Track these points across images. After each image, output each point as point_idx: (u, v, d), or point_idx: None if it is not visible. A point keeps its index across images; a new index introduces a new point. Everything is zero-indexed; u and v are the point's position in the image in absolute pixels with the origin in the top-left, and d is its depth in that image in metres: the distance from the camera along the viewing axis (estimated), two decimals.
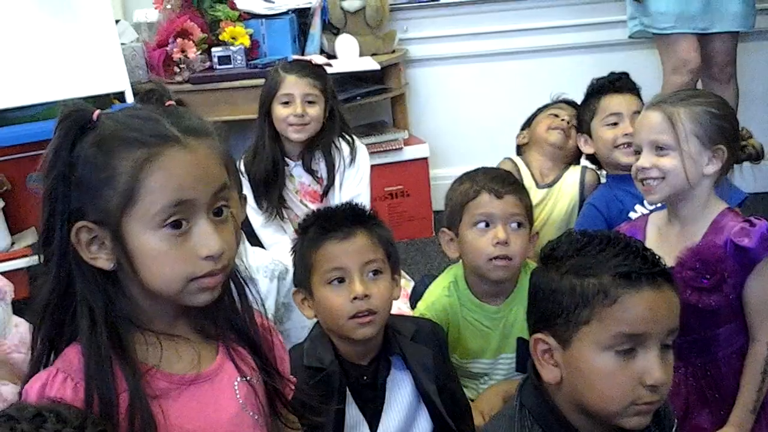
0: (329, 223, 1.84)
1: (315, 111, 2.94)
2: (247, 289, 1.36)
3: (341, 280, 1.80)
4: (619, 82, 2.85)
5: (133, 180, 1.18)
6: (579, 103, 2.92)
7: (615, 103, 2.77)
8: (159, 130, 1.21)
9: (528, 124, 3.06)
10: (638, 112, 2.72)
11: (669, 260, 1.91)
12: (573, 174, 2.92)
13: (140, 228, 1.20)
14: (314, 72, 3.02)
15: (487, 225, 2.11)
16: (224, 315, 1.34)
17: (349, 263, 1.80)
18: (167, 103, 1.35)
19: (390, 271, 1.85)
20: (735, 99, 3.70)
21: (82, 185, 1.21)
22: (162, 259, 1.21)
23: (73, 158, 1.21)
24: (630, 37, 3.81)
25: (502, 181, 2.14)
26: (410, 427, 1.86)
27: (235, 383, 1.33)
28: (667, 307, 1.35)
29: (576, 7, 4.23)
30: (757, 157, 2.06)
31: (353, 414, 1.83)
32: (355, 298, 1.77)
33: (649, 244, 1.47)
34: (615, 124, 2.73)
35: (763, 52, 4.04)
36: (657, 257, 1.38)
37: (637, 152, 2.05)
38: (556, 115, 2.96)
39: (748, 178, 2.07)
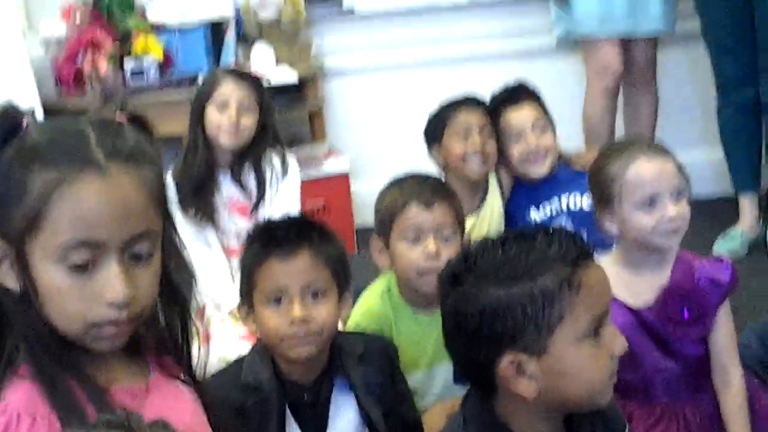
0: (272, 239, 1.76)
1: (249, 121, 2.87)
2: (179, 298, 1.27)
3: (281, 301, 1.73)
4: (517, 94, 2.90)
5: (39, 204, 1.08)
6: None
7: (515, 117, 2.88)
8: (79, 151, 1.09)
9: (433, 134, 2.94)
10: (538, 121, 2.83)
11: (641, 301, 1.99)
12: (492, 187, 2.93)
13: (42, 257, 1.10)
14: (252, 81, 2.96)
15: (416, 237, 2.07)
16: (153, 333, 1.27)
17: (289, 284, 1.73)
18: (117, 117, 1.21)
19: (336, 291, 1.78)
20: (654, 105, 3.78)
21: None
22: (62, 296, 1.10)
23: None
24: (557, 43, 3.84)
25: (431, 189, 2.10)
26: None
27: (178, 386, 1.27)
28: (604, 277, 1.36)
29: (498, 14, 4.20)
30: None
31: None
32: (293, 322, 1.71)
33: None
34: (519, 137, 2.84)
35: (682, 59, 4.12)
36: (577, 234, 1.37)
37: (649, 204, 1.97)
38: (467, 134, 2.82)
39: None
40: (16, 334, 1.14)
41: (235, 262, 2.81)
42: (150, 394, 1.21)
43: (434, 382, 2.15)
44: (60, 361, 1.14)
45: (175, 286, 1.26)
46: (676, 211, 1.94)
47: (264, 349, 1.79)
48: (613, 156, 2.01)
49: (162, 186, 1.19)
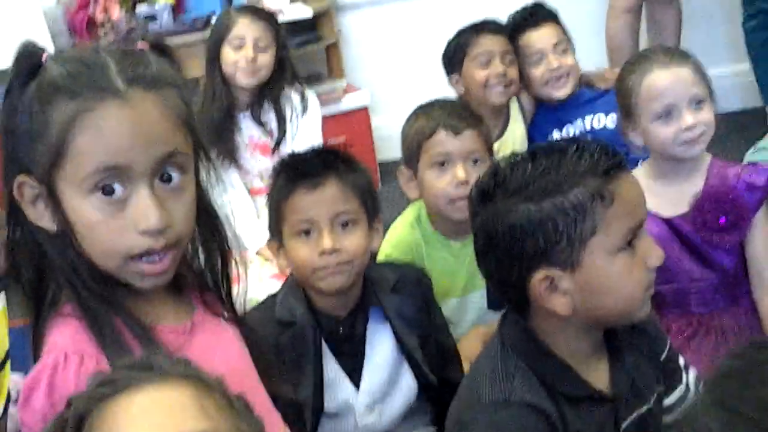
0: (298, 171, 1.73)
1: (266, 58, 2.85)
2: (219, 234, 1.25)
3: (310, 232, 1.71)
4: (536, 16, 2.84)
5: (62, 135, 1.06)
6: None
7: (535, 38, 2.81)
8: (99, 80, 1.07)
9: (452, 62, 2.89)
10: (559, 43, 2.78)
11: (674, 211, 1.97)
12: (514, 112, 2.88)
13: (72, 191, 1.08)
14: (267, 18, 2.92)
15: (445, 164, 2.04)
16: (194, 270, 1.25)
17: (317, 215, 1.70)
18: (139, 45, 1.17)
19: (366, 220, 1.75)
20: (678, 18, 3.70)
21: (21, 136, 1.10)
22: (96, 229, 1.08)
23: (18, 105, 1.10)
24: None
25: (459, 115, 2.06)
26: (395, 381, 1.80)
27: (221, 324, 1.26)
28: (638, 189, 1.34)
29: None
30: None
31: (332, 369, 1.76)
32: (323, 252, 1.69)
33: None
34: (540, 59, 2.79)
35: None
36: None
37: (665, 115, 1.95)
38: (487, 61, 2.78)
39: None
40: (58, 275, 1.13)
41: (260, 201, 2.80)
42: (195, 331, 1.19)
43: (468, 310, 2.14)
44: (104, 299, 1.12)
45: (214, 220, 1.24)
46: (694, 119, 1.92)
47: (296, 285, 1.77)
48: (630, 69, 2.01)
49: (189, 111, 1.15)
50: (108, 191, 1.07)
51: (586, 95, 2.89)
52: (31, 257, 1.15)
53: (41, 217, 1.12)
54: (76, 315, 1.12)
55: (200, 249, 1.24)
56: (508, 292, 1.37)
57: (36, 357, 1.13)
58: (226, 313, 1.27)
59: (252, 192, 2.91)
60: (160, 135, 1.09)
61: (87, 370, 1.06)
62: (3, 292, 1.88)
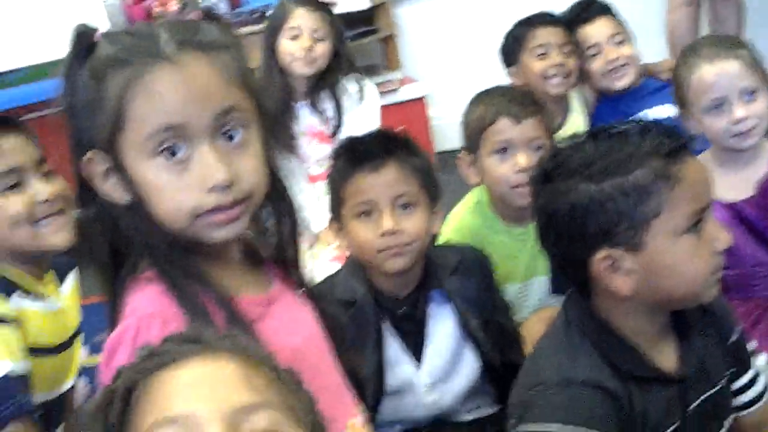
0: (358, 154, 1.74)
1: (322, 47, 2.87)
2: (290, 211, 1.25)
3: (371, 214, 1.72)
4: (589, 10, 2.83)
5: (118, 104, 1.08)
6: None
7: (591, 32, 2.81)
8: (148, 47, 1.08)
9: (509, 54, 2.88)
10: (615, 34, 2.75)
11: (738, 196, 1.95)
12: (575, 104, 2.86)
13: (136, 157, 1.09)
14: (323, 8, 2.94)
15: (507, 151, 2.03)
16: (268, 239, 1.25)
17: (378, 197, 1.71)
18: (190, 14, 1.19)
19: (426, 203, 1.75)
20: (739, 11, 3.63)
21: (82, 112, 1.12)
22: (163, 191, 1.10)
23: (76, 83, 1.12)
24: None
25: (520, 103, 2.04)
26: (457, 361, 1.80)
27: (297, 297, 1.26)
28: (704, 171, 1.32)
29: None
30: None
31: (394, 349, 1.77)
32: (384, 234, 1.69)
33: None
34: (598, 52, 2.79)
35: None
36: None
37: (716, 107, 1.95)
38: (545, 53, 2.76)
39: None
40: (138, 246, 1.15)
41: (319, 186, 2.82)
42: (273, 304, 1.20)
43: (529, 295, 2.13)
44: (184, 267, 1.13)
45: (283, 190, 1.24)
46: (745, 112, 1.90)
47: (357, 265, 1.78)
48: (681, 61, 2.01)
49: (246, 71, 1.15)
50: (170, 152, 1.09)
51: (649, 87, 2.86)
52: (104, 233, 1.17)
53: (112, 190, 1.14)
54: (158, 281, 1.13)
55: (271, 220, 1.24)
56: (571, 272, 1.37)
57: (113, 323, 1.14)
58: (300, 288, 1.28)
59: (311, 179, 2.92)
60: (214, 92, 1.09)
61: (170, 332, 1.05)
62: (76, 268, 1.92)
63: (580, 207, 1.28)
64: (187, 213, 1.10)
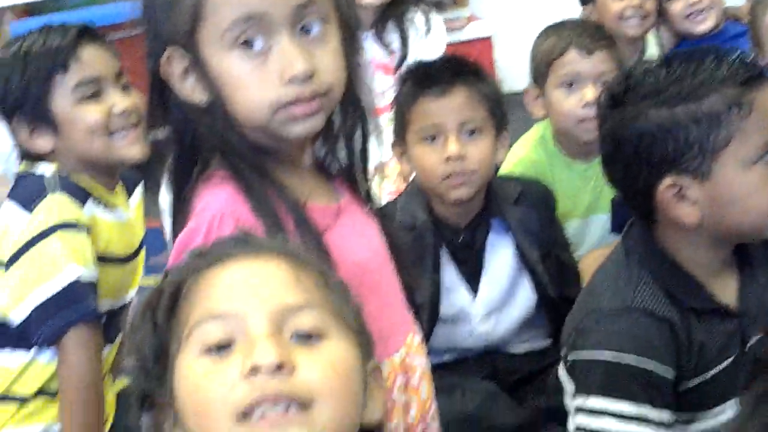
0: (426, 77, 1.74)
1: None
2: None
3: (436, 138, 1.72)
4: None
5: None
6: None
7: None
8: None
9: None
10: None
11: None
12: (651, 47, 2.80)
13: (215, 50, 1.09)
14: None
15: (574, 84, 2.01)
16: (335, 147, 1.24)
17: (444, 121, 1.71)
18: None
19: (492, 131, 1.75)
20: None
21: (159, 8, 1.12)
22: (242, 85, 1.09)
23: None
24: None
25: (591, 35, 2.02)
26: (513, 293, 1.82)
27: (364, 212, 1.26)
28: None
29: None
30: None
31: (451, 277, 1.78)
32: (448, 159, 1.70)
33: None
34: None
35: None
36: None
37: None
38: None
39: None
40: (213, 148, 1.15)
41: (381, 119, 2.81)
42: (341, 215, 1.19)
43: (590, 232, 2.12)
44: (258, 170, 1.13)
45: (358, 99, 1.22)
46: None
47: (418, 191, 1.79)
48: (755, 1, 2.03)
49: None
50: (249, 45, 1.08)
51: (730, 31, 2.77)
52: (177, 136, 1.18)
53: (191, 91, 1.13)
54: (230, 181, 1.13)
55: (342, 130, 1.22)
56: (635, 200, 1.36)
57: (182, 224, 1.14)
58: (367, 205, 1.27)
59: (374, 112, 2.91)
60: None
61: None
62: (142, 183, 1.95)
63: (649, 132, 1.27)
64: (267, 106, 1.09)
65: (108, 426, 1.74)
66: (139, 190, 1.94)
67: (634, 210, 1.38)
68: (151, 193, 1.94)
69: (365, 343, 0.91)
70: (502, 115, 1.78)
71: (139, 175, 1.95)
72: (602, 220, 2.10)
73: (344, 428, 0.83)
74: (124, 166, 1.80)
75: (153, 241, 1.88)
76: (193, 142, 1.16)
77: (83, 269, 1.63)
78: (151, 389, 0.88)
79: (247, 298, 0.85)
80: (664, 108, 1.25)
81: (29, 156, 1.74)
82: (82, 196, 1.71)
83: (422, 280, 1.71)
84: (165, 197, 2.43)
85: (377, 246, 1.24)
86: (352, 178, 1.26)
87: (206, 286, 0.87)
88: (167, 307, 0.88)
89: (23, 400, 1.70)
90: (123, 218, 1.81)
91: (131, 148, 1.73)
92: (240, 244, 0.92)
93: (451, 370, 1.80)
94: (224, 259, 0.89)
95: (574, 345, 1.38)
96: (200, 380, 0.83)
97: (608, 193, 2.05)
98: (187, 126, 1.16)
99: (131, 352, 0.90)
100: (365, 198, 1.27)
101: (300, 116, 1.10)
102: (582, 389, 1.35)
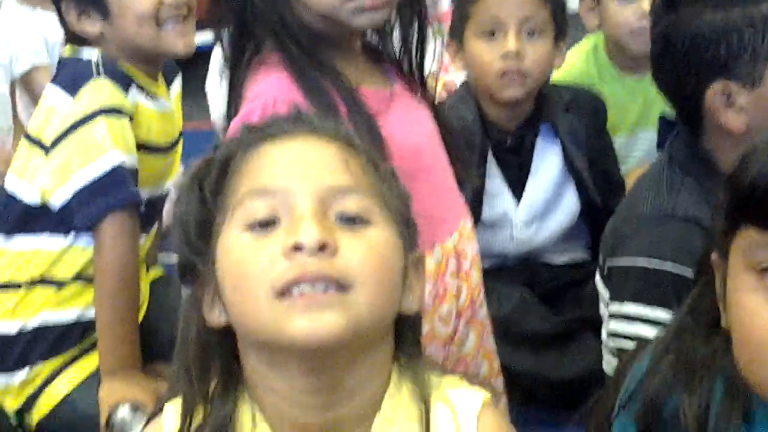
0: None
1: None
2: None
3: (495, 34, 1.69)
4: None
5: None
6: None
7: None
8: None
9: None
10: None
11: None
12: None
13: None
14: None
15: None
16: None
17: (506, 16, 1.68)
18: None
19: (552, 34, 1.73)
20: None
21: None
22: None
23: None
24: None
25: None
26: (557, 199, 1.81)
27: (417, 101, 1.25)
28: None
29: None
30: None
31: (496, 180, 1.78)
32: (506, 55, 1.67)
33: None
34: None
35: None
36: None
37: None
38: None
39: None
40: (264, 28, 1.14)
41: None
42: (394, 101, 1.19)
43: (636, 147, 2.11)
44: (311, 54, 1.13)
45: None
46: None
47: (468, 93, 1.78)
48: None
49: None
50: None
51: None
52: (236, 14, 1.17)
53: None
54: (283, 67, 1.13)
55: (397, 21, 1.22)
56: (682, 105, 1.34)
57: (235, 110, 1.15)
58: (421, 92, 1.27)
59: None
60: None
61: None
62: (180, 75, 1.94)
63: (702, 35, 1.24)
64: None
65: (141, 314, 1.76)
66: (177, 81, 1.93)
67: (681, 117, 1.36)
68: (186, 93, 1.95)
69: (410, 233, 0.90)
70: (564, 19, 1.76)
71: (177, 67, 1.94)
72: (649, 136, 2.06)
73: (380, 315, 0.82)
74: (168, 57, 1.79)
75: (190, 144, 1.87)
76: (249, 20, 1.15)
77: (125, 156, 1.63)
78: (194, 262, 0.87)
79: (295, 176, 0.84)
80: (719, 10, 1.23)
81: (74, 40, 1.74)
82: (125, 82, 1.70)
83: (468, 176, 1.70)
84: (212, 83, 2.45)
85: (430, 132, 1.24)
86: (408, 68, 1.25)
87: (256, 162, 0.86)
88: (215, 179, 0.87)
89: (61, 284, 1.70)
90: (164, 108, 1.80)
91: (178, 41, 1.71)
92: (293, 122, 0.91)
93: (489, 275, 1.78)
94: (276, 136, 0.88)
95: (613, 252, 1.36)
96: (242, 255, 0.82)
97: (657, 109, 2.01)
98: (246, 3, 1.15)
99: (176, 225, 0.90)
100: (419, 86, 1.26)
101: (368, 7, 1.11)
102: (617, 295, 1.34)
